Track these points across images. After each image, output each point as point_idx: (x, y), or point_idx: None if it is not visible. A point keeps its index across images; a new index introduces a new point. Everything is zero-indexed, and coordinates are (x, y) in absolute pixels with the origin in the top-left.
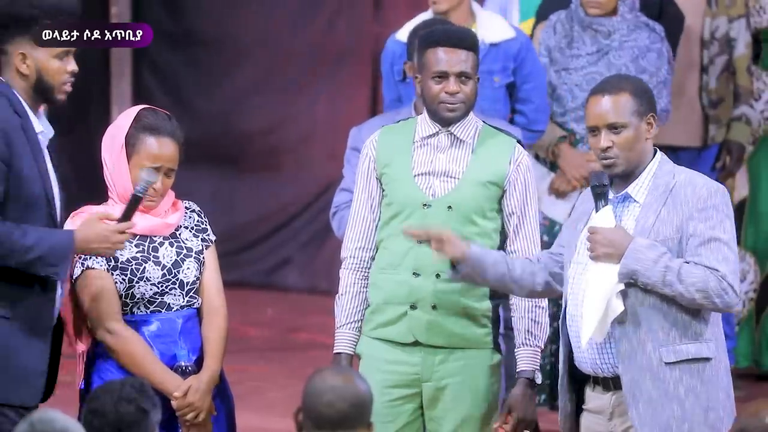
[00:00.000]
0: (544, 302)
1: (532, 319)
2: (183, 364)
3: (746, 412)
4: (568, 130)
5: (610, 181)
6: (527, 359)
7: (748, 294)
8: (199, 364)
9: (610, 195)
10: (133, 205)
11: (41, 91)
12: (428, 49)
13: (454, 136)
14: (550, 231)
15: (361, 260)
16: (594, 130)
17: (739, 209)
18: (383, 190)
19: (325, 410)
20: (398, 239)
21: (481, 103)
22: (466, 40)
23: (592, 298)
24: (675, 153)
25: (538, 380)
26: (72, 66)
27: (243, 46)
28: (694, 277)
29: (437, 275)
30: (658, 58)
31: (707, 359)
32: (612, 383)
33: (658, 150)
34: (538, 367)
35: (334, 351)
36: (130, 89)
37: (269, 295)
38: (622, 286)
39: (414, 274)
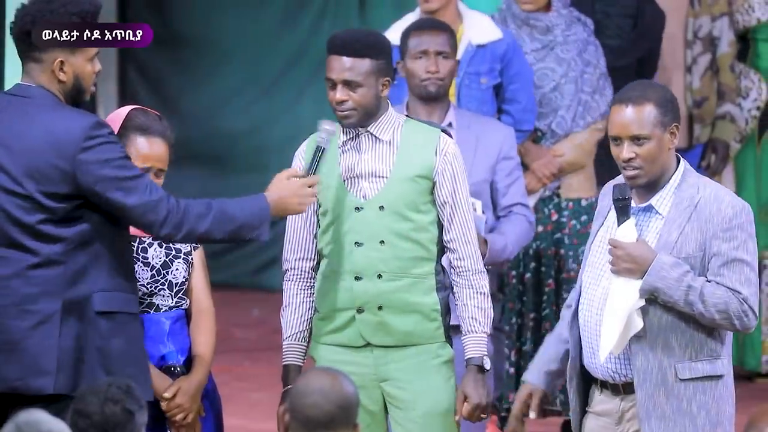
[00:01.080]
0: (486, 288)
1: (475, 306)
2: (172, 365)
3: (748, 421)
4: None
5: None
6: (474, 346)
7: None
8: (187, 365)
9: (633, 204)
10: (317, 156)
11: (74, 95)
12: (327, 55)
13: (374, 136)
14: None
15: (302, 271)
16: (616, 140)
17: None
18: (317, 199)
19: (311, 411)
20: (336, 245)
21: (468, 104)
22: (349, 47)
23: (613, 313)
24: None
25: (487, 366)
26: (98, 66)
27: (228, 46)
28: (716, 299)
29: (379, 276)
30: (596, 51)
31: (720, 376)
32: (622, 388)
33: (681, 159)
34: (486, 353)
35: (283, 363)
36: (116, 89)
37: (255, 296)
38: (642, 302)
39: (356, 278)
